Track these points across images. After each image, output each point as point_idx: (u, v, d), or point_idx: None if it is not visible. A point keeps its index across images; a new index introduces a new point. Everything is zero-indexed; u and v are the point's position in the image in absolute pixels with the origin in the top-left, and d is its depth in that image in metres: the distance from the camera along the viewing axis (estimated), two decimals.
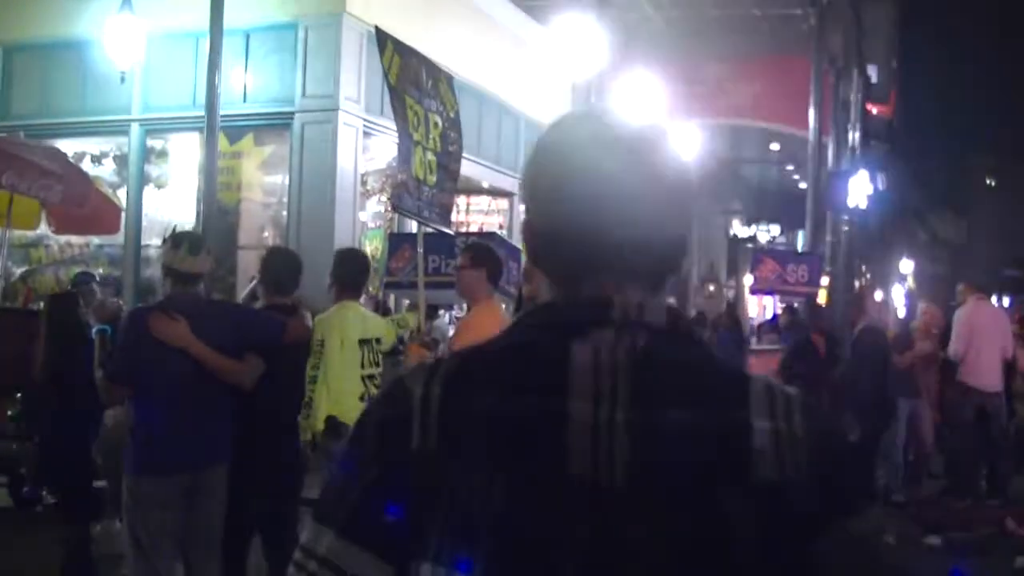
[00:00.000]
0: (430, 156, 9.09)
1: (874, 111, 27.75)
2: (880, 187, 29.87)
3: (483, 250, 7.84)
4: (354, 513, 1.64)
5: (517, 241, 20.77)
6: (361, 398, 7.59)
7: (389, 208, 15.86)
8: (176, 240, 6.64)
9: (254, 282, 8.50)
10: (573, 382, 1.60)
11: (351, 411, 7.28)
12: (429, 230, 9.99)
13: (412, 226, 9.65)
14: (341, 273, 8.06)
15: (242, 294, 9.95)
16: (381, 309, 15.87)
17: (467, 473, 1.57)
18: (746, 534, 1.53)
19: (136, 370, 6.43)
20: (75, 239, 17.52)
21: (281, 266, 7.72)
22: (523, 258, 7.68)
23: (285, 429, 7.40)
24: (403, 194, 8.84)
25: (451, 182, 9.61)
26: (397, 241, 12.51)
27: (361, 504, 1.64)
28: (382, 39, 8.87)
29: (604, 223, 1.68)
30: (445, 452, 1.60)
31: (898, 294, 53.62)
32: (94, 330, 8.26)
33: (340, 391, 7.53)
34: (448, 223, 9.99)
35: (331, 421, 7.43)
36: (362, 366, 7.76)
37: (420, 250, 9.34)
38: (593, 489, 1.55)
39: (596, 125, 1.79)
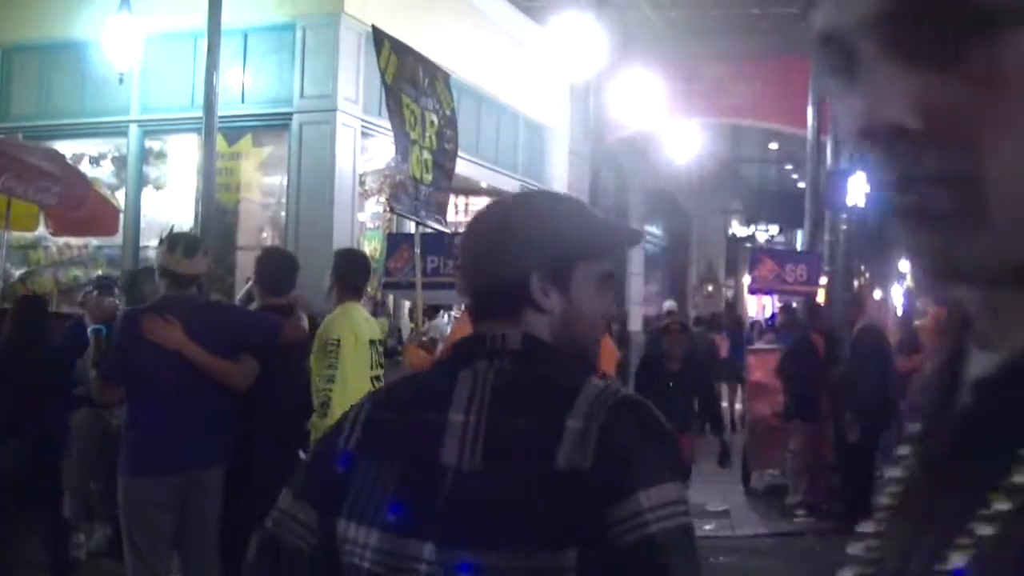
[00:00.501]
0: (426, 155, 9.09)
1: None
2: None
3: None
4: (306, 482, 2.47)
5: None
6: None
7: (388, 209, 15.87)
8: (172, 242, 6.64)
9: (250, 283, 8.50)
10: (454, 399, 2.29)
11: None
12: (427, 230, 9.99)
13: (411, 226, 9.64)
14: (343, 274, 7.95)
15: (238, 295, 9.94)
16: (380, 310, 15.91)
17: (372, 460, 2.33)
18: (553, 504, 2.12)
19: (130, 371, 6.43)
20: (74, 241, 17.52)
21: (277, 267, 7.71)
22: None
23: (284, 429, 7.39)
24: (400, 195, 8.84)
25: (446, 180, 9.63)
26: (395, 241, 12.51)
27: (310, 477, 2.47)
28: (379, 38, 8.87)
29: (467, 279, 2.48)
30: (362, 447, 2.36)
31: (897, 293, 53.58)
32: (90, 330, 8.27)
33: (356, 391, 7.32)
34: (444, 222, 9.98)
35: None
36: (371, 367, 7.71)
37: (417, 250, 9.34)
38: (456, 472, 2.22)
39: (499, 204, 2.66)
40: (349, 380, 7.37)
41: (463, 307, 9.12)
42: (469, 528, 2.16)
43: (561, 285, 2.36)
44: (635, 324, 26.96)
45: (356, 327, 7.60)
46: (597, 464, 2.12)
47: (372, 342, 7.75)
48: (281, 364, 7.16)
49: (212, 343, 6.42)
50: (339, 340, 7.48)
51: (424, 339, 9.09)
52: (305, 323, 7.64)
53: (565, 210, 2.45)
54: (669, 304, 25.91)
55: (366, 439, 2.35)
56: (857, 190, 23.90)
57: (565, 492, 2.11)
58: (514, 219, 2.42)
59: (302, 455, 7.75)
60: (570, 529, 2.10)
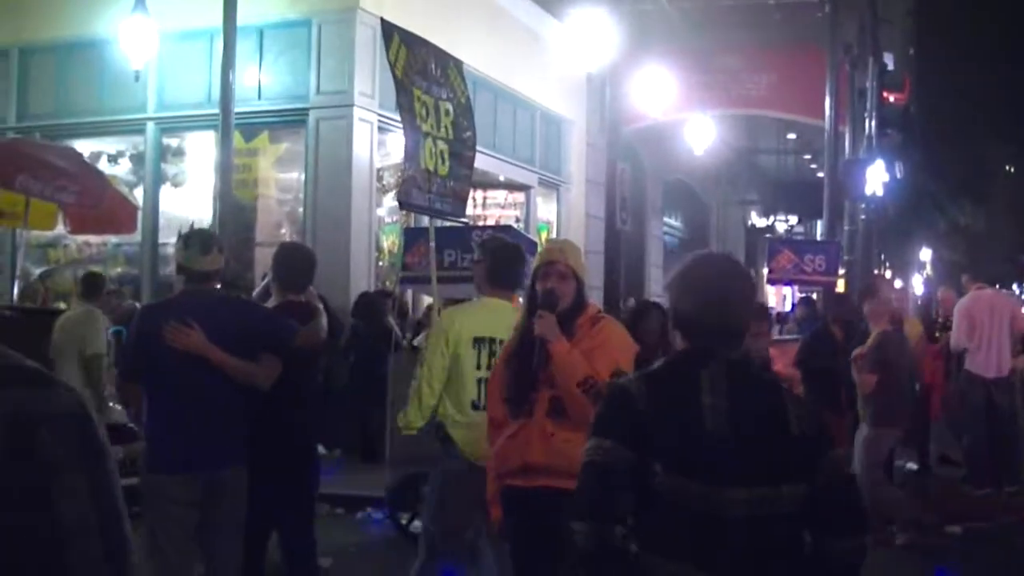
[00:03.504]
0: (442, 145, 9.02)
1: (891, 99, 27.60)
2: (898, 175, 29.72)
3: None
4: (622, 429, 3.45)
5: (533, 234, 20.83)
6: (474, 405, 6.81)
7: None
8: (187, 239, 6.63)
9: (267, 279, 8.46)
10: (703, 387, 3.45)
11: (457, 415, 6.88)
12: (443, 224, 9.96)
13: (428, 220, 9.61)
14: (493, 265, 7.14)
15: (255, 291, 9.90)
16: (398, 305, 15.94)
17: (661, 418, 3.41)
18: (790, 455, 3.43)
19: (145, 367, 6.43)
20: (92, 239, 17.57)
21: (293, 262, 7.63)
22: (537, 251, 7.55)
23: (302, 429, 7.37)
24: (411, 189, 8.77)
25: (466, 170, 9.54)
26: (413, 236, 12.50)
27: (624, 423, 3.45)
28: (388, 31, 8.82)
29: (719, 315, 3.59)
30: (650, 411, 3.43)
31: (917, 283, 53.47)
32: (110, 331, 8.29)
33: (452, 390, 6.92)
34: (463, 213, 9.91)
35: (439, 429, 6.99)
36: (476, 367, 6.89)
37: (432, 244, 9.30)
38: (713, 433, 3.39)
39: (714, 264, 3.78)
40: (435, 379, 6.84)
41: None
42: (734, 470, 3.39)
43: None
44: None
45: (456, 323, 6.92)
46: (810, 433, 3.50)
47: (480, 340, 6.91)
48: (302, 363, 7.10)
49: (228, 340, 6.39)
50: (428, 337, 7.20)
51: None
52: (324, 330, 7.55)
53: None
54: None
55: (652, 404, 3.46)
56: (875, 179, 23.87)
57: (797, 448, 3.48)
58: (744, 273, 3.89)
59: (322, 449, 7.71)
60: (799, 471, 3.45)
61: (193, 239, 6.63)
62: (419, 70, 8.95)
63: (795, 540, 3.52)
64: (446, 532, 7.18)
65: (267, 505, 6.92)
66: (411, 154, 8.73)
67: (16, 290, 14.81)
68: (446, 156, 9.09)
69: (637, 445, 3.39)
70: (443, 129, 9.08)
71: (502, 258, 7.07)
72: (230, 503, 6.51)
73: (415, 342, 13.48)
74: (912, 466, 14.32)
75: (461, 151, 9.36)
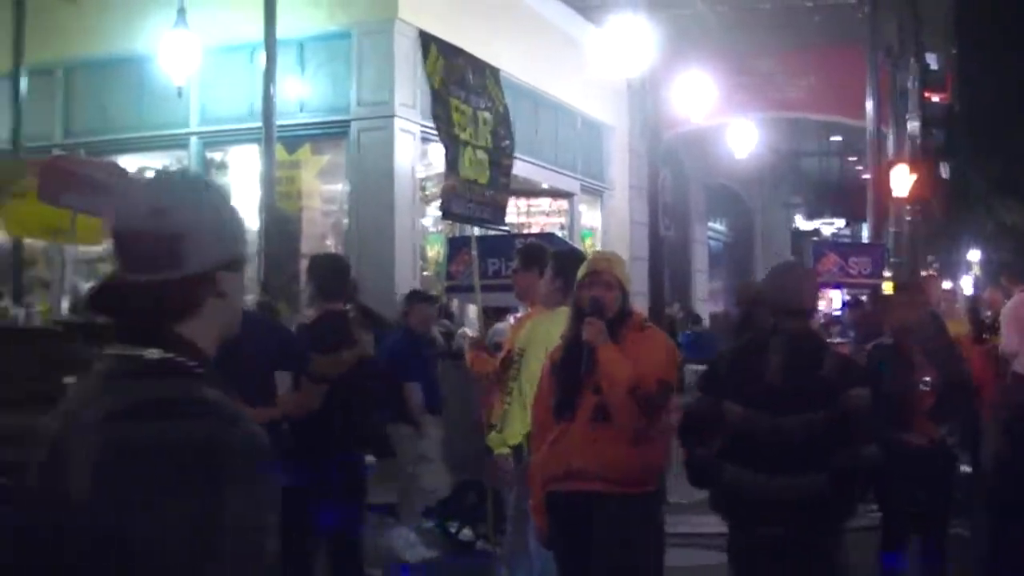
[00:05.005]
0: (481, 154, 9.00)
1: (934, 99, 27.44)
2: (943, 175, 29.52)
3: (534, 251, 7.78)
4: (706, 383, 5.94)
5: (577, 241, 20.81)
6: None
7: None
8: None
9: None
10: (771, 349, 5.60)
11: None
12: (486, 233, 9.95)
13: (471, 229, 9.62)
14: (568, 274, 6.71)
15: (304, 302, 9.91)
16: (444, 314, 15.95)
17: (738, 374, 5.65)
18: (822, 390, 5.49)
19: None
20: None
21: (325, 272, 7.62)
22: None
23: (350, 444, 7.36)
24: (452, 199, 8.75)
25: (505, 178, 9.50)
26: (456, 245, 12.51)
27: (710, 381, 5.89)
28: (426, 42, 8.81)
29: (785, 300, 5.78)
30: (729, 371, 5.76)
31: (967, 284, 53.00)
32: None
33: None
34: (503, 221, 9.88)
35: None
36: None
37: (474, 253, 9.28)
38: (771, 382, 5.54)
39: (785, 267, 6.46)
40: (529, 396, 6.57)
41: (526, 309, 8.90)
42: (785, 403, 5.39)
43: None
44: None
45: (548, 336, 6.56)
46: (838, 375, 5.45)
47: None
48: (345, 383, 7.04)
49: (252, 358, 6.31)
50: (523, 350, 7.00)
51: (484, 343, 8.88)
52: (357, 352, 7.36)
53: None
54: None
55: (731, 366, 5.78)
56: (919, 181, 23.71)
57: (826, 385, 5.41)
58: (805, 272, 6.26)
59: (370, 458, 7.67)
60: (827, 400, 5.37)
61: None
62: (457, 80, 8.94)
63: (825, 448, 5.37)
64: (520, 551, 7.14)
65: (313, 517, 6.93)
66: (451, 164, 8.72)
67: (66, 305, 14.92)
68: (486, 165, 9.07)
69: (718, 394, 5.65)
70: (482, 138, 9.07)
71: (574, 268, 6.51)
72: None
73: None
74: (967, 469, 14.18)
75: (500, 159, 9.33)
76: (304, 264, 16.40)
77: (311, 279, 7.63)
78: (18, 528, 2.18)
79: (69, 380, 10.42)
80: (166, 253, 2.17)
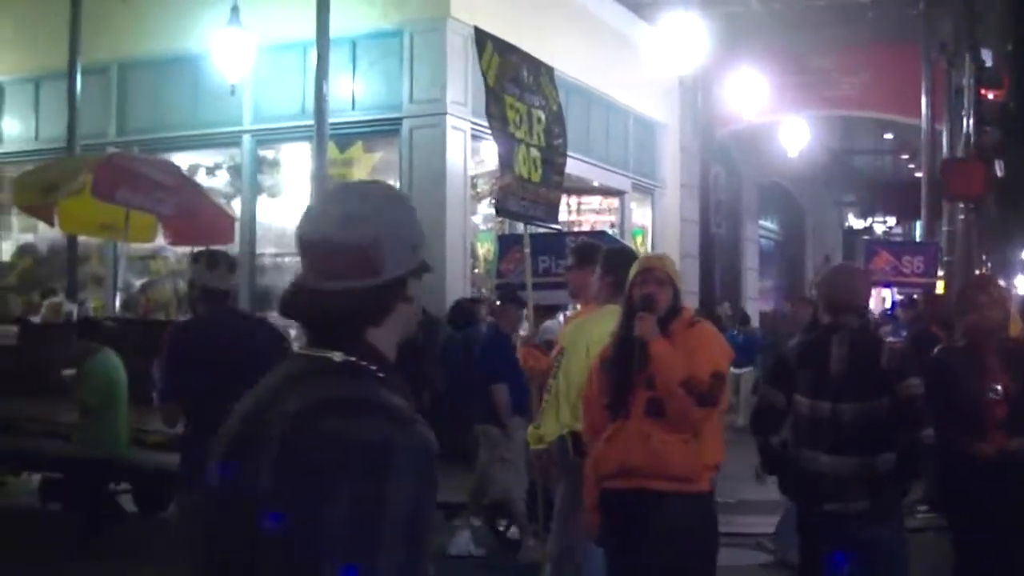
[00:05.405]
0: (534, 152, 8.96)
1: (989, 96, 27.13)
2: (999, 174, 29.19)
3: (588, 249, 7.75)
4: (774, 377, 6.48)
5: (628, 239, 20.77)
6: None
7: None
8: (196, 256, 6.79)
9: None
10: (833, 344, 6.05)
11: None
12: (538, 230, 9.93)
13: (523, 227, 9.61)
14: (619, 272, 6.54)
15: None
16: (492, 312, 15.93)
17: (805, 366, 6.19)
18: (881, 379, 5.96)
19: (182, 387, 6.43)
20: (191, 250, 17.77)
21: None
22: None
23: None
24: (508, 196, 8.73)
25: (557, 176, 9.46)
26: (507, 243, 12.49)
27: (779, 375, 6.40)
28: (481, 39, 8.78)
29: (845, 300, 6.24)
30: (797, 364, 6.25)
31: (1020, 283, 52.50)
32: None
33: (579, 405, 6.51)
34: (555, 219, 9.85)
35: (574, 440, 6.75)
36: None
37: (527, 251, 9.25)
38: (835, 373, 6.06)
39: (842, 268, 7.94)
40: (573, 390, 6.64)
41: (576, 306, 8.88)
42: (848, 393, 5.92)
43: None
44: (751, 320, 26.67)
45: (589, 335, 6.64)
46: (895, 366, 5.95)
47: None
48: None
49: (254, 356, 6.26)
50: (566, 349, 6.99)
51: (536, 341, 8.85)
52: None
53: None
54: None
55: (799, 359, 6.23)
56: (974, 179, 23.47)
57: (886, 375, 5.92)
58: (860, 272, 7.15)
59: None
60: (885, 390, 5.89)
61: (201, 256, 6.74)
62: (512, 77, 8.90)
63: (884, 434, 5.90)
64: (565, 549, 7.14)
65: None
66: (506, 161, 8.69)
67: (118, 302, 15.04)
68: (539, 163, 9.03)
69: (786, 387, 6.19)
70: (536, 136, 9.03)
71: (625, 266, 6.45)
72: None
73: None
74: None
75: (552, 157, 9.28)
76: None
77: None
78: (200, 521, 2.32)
79: (67, 372, 10.54)
80: (363, 261, 2.24)
